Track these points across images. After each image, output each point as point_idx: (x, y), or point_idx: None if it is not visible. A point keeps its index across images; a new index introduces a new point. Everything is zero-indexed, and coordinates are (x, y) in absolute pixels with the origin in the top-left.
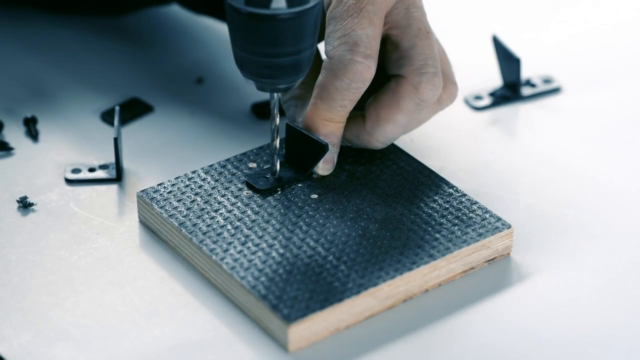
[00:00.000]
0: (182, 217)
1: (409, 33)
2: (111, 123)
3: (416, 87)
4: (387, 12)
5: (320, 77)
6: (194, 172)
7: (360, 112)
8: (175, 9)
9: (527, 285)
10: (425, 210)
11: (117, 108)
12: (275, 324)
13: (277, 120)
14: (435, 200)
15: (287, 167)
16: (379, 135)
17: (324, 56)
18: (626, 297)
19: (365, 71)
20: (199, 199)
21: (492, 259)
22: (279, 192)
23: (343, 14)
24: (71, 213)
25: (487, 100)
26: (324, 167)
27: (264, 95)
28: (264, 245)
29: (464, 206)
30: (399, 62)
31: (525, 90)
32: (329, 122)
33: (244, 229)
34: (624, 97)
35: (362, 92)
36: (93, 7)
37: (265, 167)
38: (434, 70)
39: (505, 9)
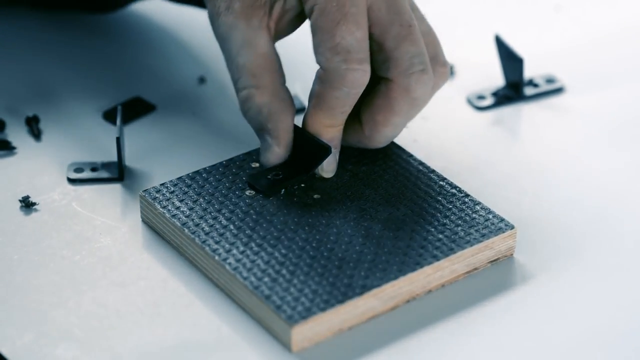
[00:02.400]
0: (185, 217)
1: (391, 32)
2: (113, 122)
3: (407, 89)
4: (368, 6)
5: (316, 88)
6: (196, 172)
7: (356, 117)
8: (173, 7)
9: (530, 286)
10: (428, 210)
11: (119, 107)
12: (279, 325)
13: None
14: (438, 201)
15: (289, 167)
16: (379, 138)
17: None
18: (630, 298)
19: (362, 77)
20: (201, 199)
21: (495, 260)
22: (282, 193)
23: (328, 23)
24: (73, 213)
25: (489, 100)
26: (327, 169)
27: None
28: (267, 245)
29: (467, 207)
30: (386, 65)
31: (528, 90)
32: (331, 128)
33: (247, 230)
34: (627, 96)
35: (356, 99)
36: (83, 3)
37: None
38: (421, 68)
39: (508, 9)
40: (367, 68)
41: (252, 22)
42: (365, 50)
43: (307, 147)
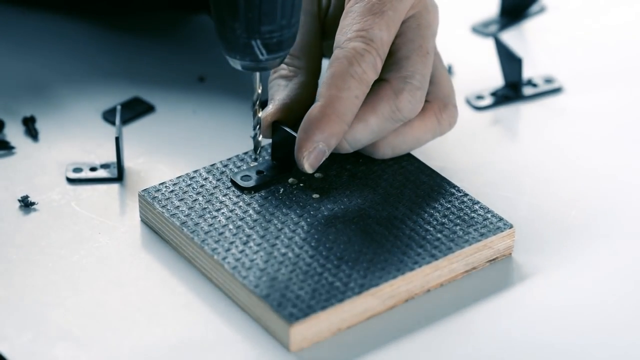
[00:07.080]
0: (184, 216)
1: (409, 46)
2: (112, 122)
3: (396, 94)
4: (402, 21)
5: (331, 68)
6: (195, 171)
7: None
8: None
9: (528, 286)
10: (427, 210)
11: (118, 107)
12: (277, 324)
13: (258, 91)
14: (437, 200)
15: (272, 165)
16: (347, 134)
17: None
18: (628, 298)
19: (375, 65)
20: (200, 198)
21: (493, 259)
22: (281, 192)
23: (365, 10)
24: (72, 212)
25: (488, 100)
26: (311, 163)
27: (266, 94)
28: (266, 245)
29: (466, 206)
30: (388, 68)
31: (527, 90)
32: (339, 120)
33: (246, 229)
34: (626, 96)
35: (367, 92)
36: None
37: (251, 165)
38: (418, 85)
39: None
40: (379, 65)
41: (305, 6)
42: (383, 52)
43: (290, 147)
